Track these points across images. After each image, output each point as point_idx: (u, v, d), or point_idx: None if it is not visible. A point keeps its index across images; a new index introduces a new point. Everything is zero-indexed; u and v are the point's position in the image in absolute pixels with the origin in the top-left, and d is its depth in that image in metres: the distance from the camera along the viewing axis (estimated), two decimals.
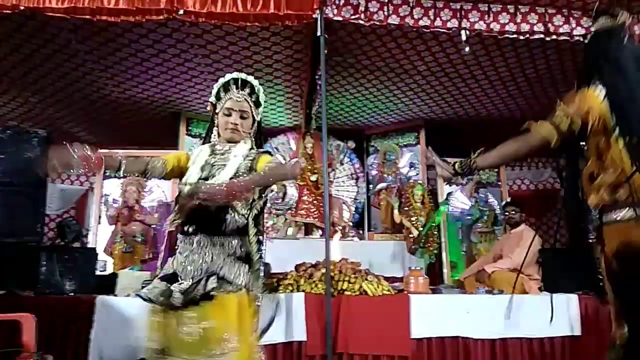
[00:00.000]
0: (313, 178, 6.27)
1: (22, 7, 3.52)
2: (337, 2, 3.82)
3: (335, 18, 3.83)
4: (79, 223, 6.06)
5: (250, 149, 2.17)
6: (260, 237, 2.11)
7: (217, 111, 2.19)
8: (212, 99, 2.21)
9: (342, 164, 6.76)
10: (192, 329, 1.88)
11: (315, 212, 6.22)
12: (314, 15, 3.71)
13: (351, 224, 6.64)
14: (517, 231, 4.93)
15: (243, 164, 2.09)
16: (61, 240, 4.51)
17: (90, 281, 4.12)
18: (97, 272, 4.47)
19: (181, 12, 3.59)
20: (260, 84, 2.22)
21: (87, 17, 3.64)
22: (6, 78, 5.08)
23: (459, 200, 6.26)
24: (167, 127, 6.31)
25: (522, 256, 4.59)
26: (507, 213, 5.09)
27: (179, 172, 2.19)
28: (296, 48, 4.60)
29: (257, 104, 2.21)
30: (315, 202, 6.24)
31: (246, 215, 2.03)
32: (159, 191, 6.15)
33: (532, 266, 4.58)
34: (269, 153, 2.24)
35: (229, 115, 2.14)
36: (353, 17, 3.83)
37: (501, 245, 5.10)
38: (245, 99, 2.15)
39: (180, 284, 1.94)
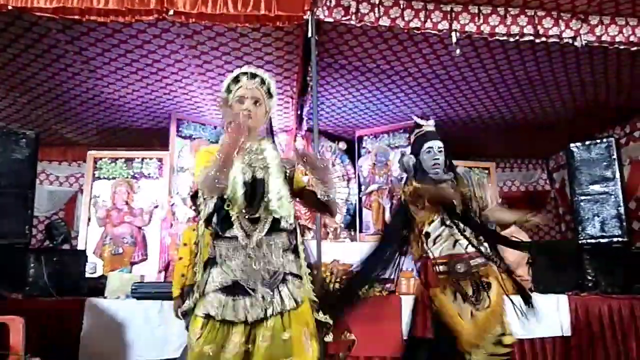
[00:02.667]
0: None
1: (10, 7, 3.48)
2: (328, 3, 3.81)
3: (327, 19, 3.82)
4: (68, 225, 6.01)
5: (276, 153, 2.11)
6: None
7: (229, 103, 2.12)
8: (223, 93, 2.14)
9: (333, 165, 6.76)
10: (270, 340, 1.85)
11: (307, 214, 6.20)
12: (305, 17, 3.70)
13: (342, 225, 6.64)
14: (507, 232, 4.95)
15: (281, 173, 2.04)
16: (50, 243, 4.46)
17: (79, 283, 4.09)
18: (87, 275, 4.44)
19: (171, 12, 3.56)
20: None
21: (77, 17, 3.61)
22: None
23: None
24: (158, 128, 6.28)
25: (513, 257, 4.63)
26: None
27: None
28: (287, 49, 4.59)
29: (269, 95, 2.16)
30: None
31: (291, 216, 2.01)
32: (149, 193, 6.12)
33: (523, 267, 4.60)
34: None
35: (242, 102, 2.08)
36: (344, 18, 3.83)
37: None
38: (256, 87, 2.10)
39: (251, 296, 1.89)
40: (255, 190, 1.97)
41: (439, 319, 2.55)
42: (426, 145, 2.73)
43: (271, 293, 1.89)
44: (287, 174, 2.09)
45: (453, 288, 2.58)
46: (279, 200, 1.97)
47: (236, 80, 2.11)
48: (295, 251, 2.01)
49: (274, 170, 2.01)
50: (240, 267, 1.92)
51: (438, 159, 2.69)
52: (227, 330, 1.86)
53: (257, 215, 1.95)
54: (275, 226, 1.96)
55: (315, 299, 2.03)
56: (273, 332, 1.85)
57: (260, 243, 1.93)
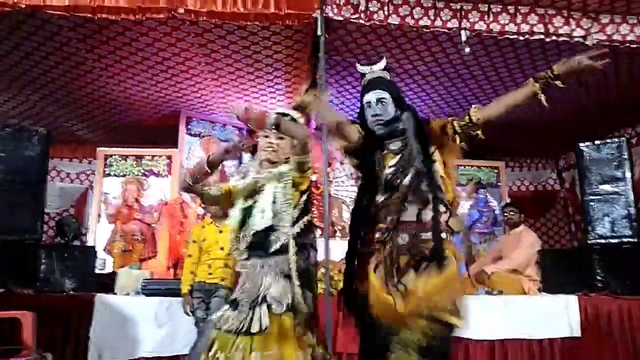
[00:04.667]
0: (312, 177, 6.26)
1: (22, 5, 3.52)
2: (337, 1, 3.81)
3: (336, 17, 3.83)
4: (78, 221, 6.07)
5: (290, 170, 2.26)
6: (311, 253, 2.29)
7: (256, 137, 2.36)
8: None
9: (341, 163, 6.76)
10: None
11: (315, 212, 6.21)
12: (314, 15, 3.71)
13: None
14: (516, 232, 4.93)
15: (279, 187, 2.21)
16: (60, 239, 4.50)
17: (89, 279, 4.13)
18: (97, 271, 4.48)
19: (181, 10, 3.58)
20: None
21: (88, 15, 3.64)
22: (6, 76, 5.06)
23: None
24: (167, 126, 6.30)
25: (522, 257, 4.62)
26: (506, 214, 5.09)
27: (227, 202, 2.39)
28: (296, 47, 4.59)
29: None
30: (314, 201, 6.23)
31: (289, 233, 2.16)
32: (158, 190, 6.15)
33: (532, 267, 4.59)
34: None
35: (267, 136, 2.29)
36: (353, 16, 3.83)
37: (500, 246, 5.10)
38: None
39: (239, 312, 2.11)
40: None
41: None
42: (365, 99, 2.21)
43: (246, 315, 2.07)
44: (289, 182, 2.24)
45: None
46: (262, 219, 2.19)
47: None
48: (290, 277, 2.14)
49: (265, 192, 2.23)
50: (240, 287, 2.24)
51: (377, 113, 2.16)
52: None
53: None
54: (269, 247, 2.16)
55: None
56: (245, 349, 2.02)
57: (256, 264, 2.19)
